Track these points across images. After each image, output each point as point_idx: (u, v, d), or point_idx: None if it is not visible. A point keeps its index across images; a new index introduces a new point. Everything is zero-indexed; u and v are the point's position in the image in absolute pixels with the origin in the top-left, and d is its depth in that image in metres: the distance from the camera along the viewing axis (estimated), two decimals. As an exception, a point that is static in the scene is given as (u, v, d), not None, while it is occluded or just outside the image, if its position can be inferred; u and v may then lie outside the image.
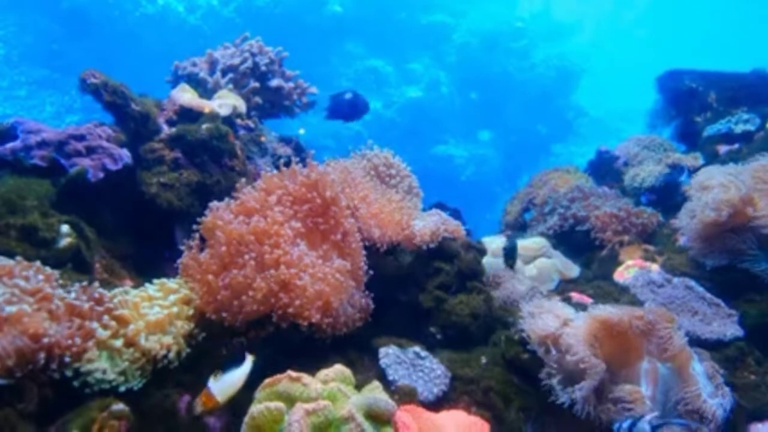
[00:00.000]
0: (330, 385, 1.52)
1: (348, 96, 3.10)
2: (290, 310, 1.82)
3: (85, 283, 1.76)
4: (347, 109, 3.16)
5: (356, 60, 13.33)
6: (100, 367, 1.61)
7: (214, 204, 2.08)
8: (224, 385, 1.59)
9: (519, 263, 2.90)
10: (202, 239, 2.05)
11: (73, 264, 1.97)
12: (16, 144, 2.18)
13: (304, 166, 2.21)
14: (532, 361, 1.99)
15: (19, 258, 1.68)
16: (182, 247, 2.05)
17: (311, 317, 1.83)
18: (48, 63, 11.01)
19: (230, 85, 3.07)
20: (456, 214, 4.41)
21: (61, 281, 1.72)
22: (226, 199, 2.13)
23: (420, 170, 2.80)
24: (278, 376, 1.51)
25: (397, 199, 2.48)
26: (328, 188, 2.13)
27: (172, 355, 1.75)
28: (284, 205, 2.06)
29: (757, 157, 2.69)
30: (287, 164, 2.26)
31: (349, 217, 2.17)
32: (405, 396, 1.80)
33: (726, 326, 2.24)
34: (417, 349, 2.04)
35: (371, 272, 2.15)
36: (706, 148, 3.56)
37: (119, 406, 1.56)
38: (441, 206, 3.77)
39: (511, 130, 13.45)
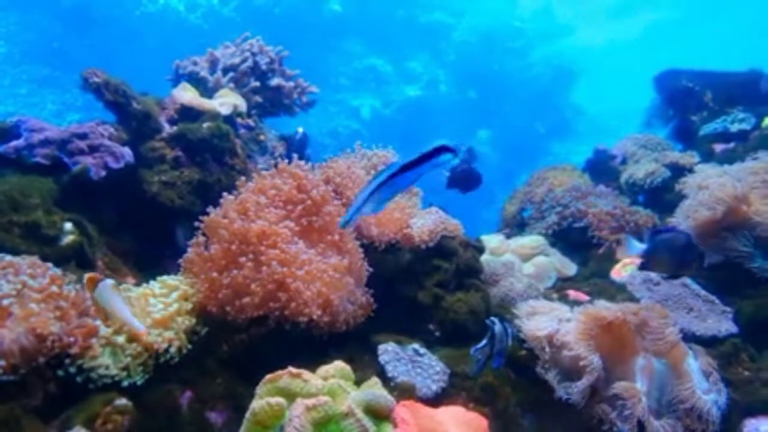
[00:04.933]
0: (330, 381, 1.54)
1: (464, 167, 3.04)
2: (286, 312, 1.85)
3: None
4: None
5: (355, 59, 13.33)
6: (104, 363, 1.64)
7: (226, 197, 2.11)
8: (111, 300, 1.56)
9: (517, 261, 2.93)
10: (205, 236, 2.07)
11: (76, 261, 1.99)
12: (19, 142, 2.20)
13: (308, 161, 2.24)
14: (528, 358, 2.02)
15: (33, 258, 1.71)
16: (188, 243, 2.07)
17: (311, 314, 1.85)
18: (49, 61, 11.01)
19: (231, 84, 3.09)
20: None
21: (65, 279, 1.74)
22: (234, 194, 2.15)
23: (419, 168, 2.81)
24: (279, 372, 1.53)
25: (397, 198, 2.50)
26: (314, 188, 2.15)
27: (173, 350, 1.77)
28: (277, 205, 2.09)
29: (753, 156, 2.71)
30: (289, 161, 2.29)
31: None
32: (404, 392, 1.82)
33: (721, 323, 2.27)
34: (416, 345, 2.06)
35: (370, 270, 2.17)
36: (702, 146, 3.59)
37: (122, 401, 1.59)
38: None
39: (510, 129, 13.46)
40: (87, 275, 1.59)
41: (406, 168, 1.43)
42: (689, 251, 2.08)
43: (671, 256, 2.10)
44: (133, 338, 1.71)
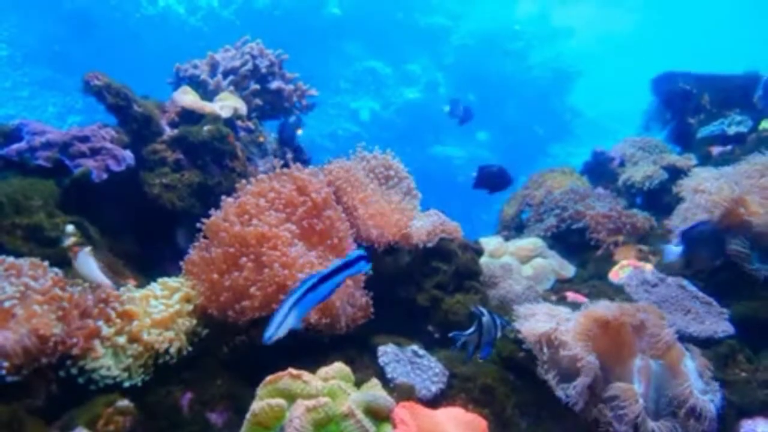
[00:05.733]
0: (330, 383, 1.55)
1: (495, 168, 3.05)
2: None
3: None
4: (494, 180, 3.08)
5: (355, 61, 13.37)
6: (105, 363, 1.65)
7: (225, 200, 2.12)
8: (87, 264, 1.79)
9: (516, 263, 2.94)
10: (206, 238, 2.09)
11: (78, 263, 2.01)
12: (21, 145, 2.22)
13: (306, 165, 2.24)
14: (527, 359, 2.03)
15: (34, 259, 1.72)
16: (188, 245, 2.09)
17: (309, 318, 1.87)
18: (51, 64, 11.04)
19: (231, 87, 3.10)
20: None
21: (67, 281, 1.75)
22: (233, 197, 2.16)
23: (418, 171, 2.83)
24: (279, 373, 1.54)
25: (396, 200, 2.52)
26: (315, 191, 2.16)
27: (173, 350, 1.78)
28: (277, 208, 2.10)
29: (750, 159, 2.73)
30: (285, 165, 2.30)
31: (345, 220, 2.20)
32: (403, 393, 1.83)
33: (718, 324, 2.28)
34: (415, 347, 2.08)
35: (370, 272, 2.18)
36: (699, 149, 3.62)
37: (124, 402, 1.60)
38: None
39: (509, 131, 13.50)
40: (72, 249, 1.78)
41: (325, 278, 1.54)
42: (718, 239, 2.09)
43: (707, 249, 2.11)
44: (133, 338, 1.73)
